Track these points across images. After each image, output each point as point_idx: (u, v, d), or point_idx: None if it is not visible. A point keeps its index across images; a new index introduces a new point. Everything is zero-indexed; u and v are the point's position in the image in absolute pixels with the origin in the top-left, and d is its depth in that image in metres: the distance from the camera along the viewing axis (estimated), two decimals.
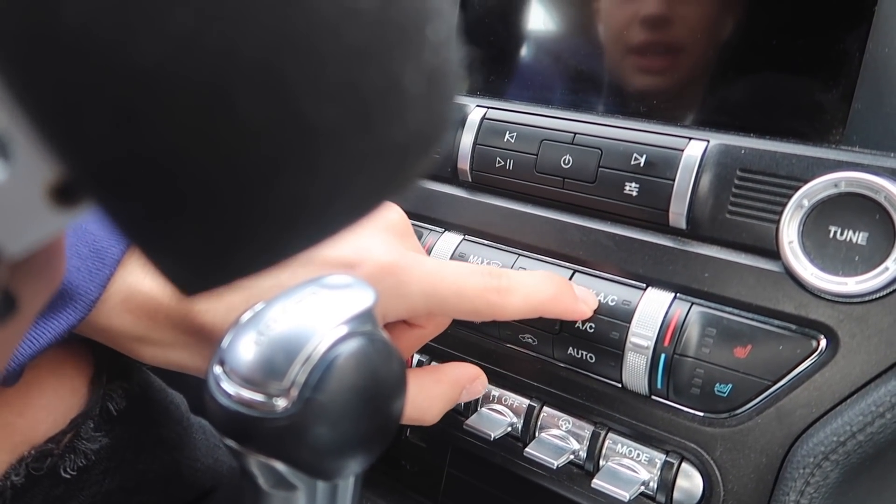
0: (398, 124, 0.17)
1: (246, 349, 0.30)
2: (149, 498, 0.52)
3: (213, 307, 0.40)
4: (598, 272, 0.47)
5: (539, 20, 0.56)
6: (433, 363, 0.55)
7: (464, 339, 0.53)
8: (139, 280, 0.40)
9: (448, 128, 0.19)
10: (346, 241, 0.40)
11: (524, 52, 0.56)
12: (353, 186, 0.17)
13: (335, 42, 0.15)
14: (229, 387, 0.30)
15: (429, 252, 0.53)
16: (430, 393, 0.44)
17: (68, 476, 0.44)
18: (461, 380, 0.47)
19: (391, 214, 0.45)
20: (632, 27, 0.50)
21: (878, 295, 0.38)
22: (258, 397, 0.29)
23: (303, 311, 0.31)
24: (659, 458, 0.45)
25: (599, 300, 0.46)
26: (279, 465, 0.31)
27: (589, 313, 0.45)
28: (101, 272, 0.39)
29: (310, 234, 0.18)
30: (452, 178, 0.54)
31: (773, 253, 0.41)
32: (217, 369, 0.31)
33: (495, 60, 0.57)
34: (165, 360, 0.42)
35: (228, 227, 0.16)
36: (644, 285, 0.45)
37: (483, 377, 0.48)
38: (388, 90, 0.16)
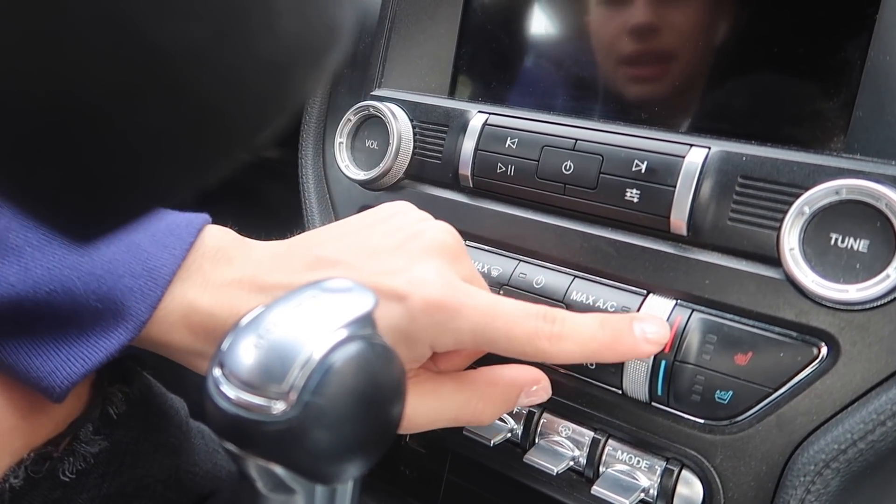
0: (267, 37, 0.15)
1: (246, 352, 0.30)
2: (147, 502, 0.52)
3: None
4: (598, 278, 0.47)
5: (540, 27, 0.56)
6: None
7: None
8: (198, 297, 0.40)
9: (339, 38, 0.17)
10: (400, 268, 0.40)
11: (526, 58, 0.56)
12: (229, 110, 0.16)
13: None
14: (229, 390, 0.30)
15: None
16: (484, 394, 0.43)
17: (67, 479, 0.44)
18: (518, 382, 0.45)
19: (445, 237, 0.43)
20: (621, 38, 0.50)
21: (879, 302, 0.38)
22: (257, 401, 0.29)
23: (302, 315, 0.31)
24: (659, 464, 0.45)
25: (599, 306, 0.46)
26: (278, 469, 0.31)
27: (656, 349, 0.42)
28: (154, 292, 0.39)
29: (190, 164, 0.17)
30: (454, 183, 0.54)
31: (774, 260, 0.41)
32: (216, 372, 0.31)
33: (497, 67, 0.57)
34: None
35: (99, 167, 0.15)
36: (645, 292, 0.45)
37: (546, 382, 0.46)
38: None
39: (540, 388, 0.46)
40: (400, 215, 0.45)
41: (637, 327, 0.41)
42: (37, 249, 0.37)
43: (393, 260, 0.41)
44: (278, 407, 0.29)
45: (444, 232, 0.43)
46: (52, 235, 0.37)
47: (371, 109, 0.57)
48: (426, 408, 0.41)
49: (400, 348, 0.39)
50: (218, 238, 0.43)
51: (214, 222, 0.44)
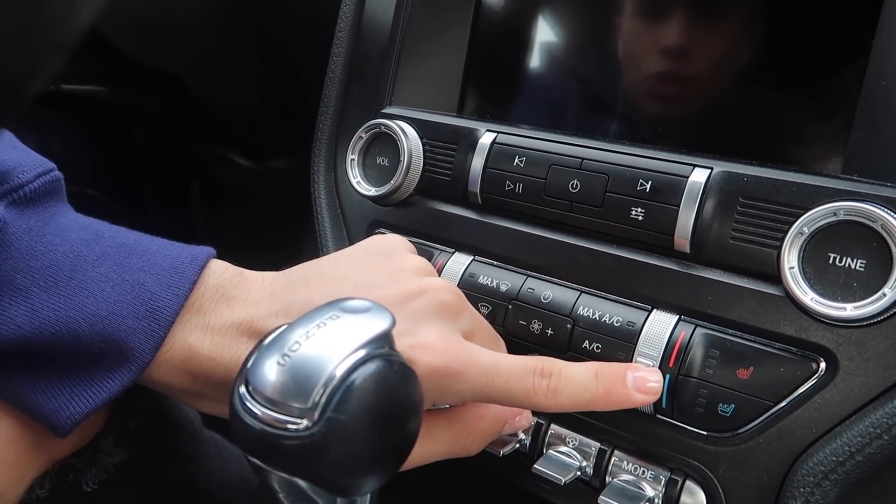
0: None
1: (270, 371, 0.31)
2: None
3: None
4: (604, 293, 0.49)
5: (549, 46, 0.57)
6: None
7: None
8: (198, 342, 0.41)
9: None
10: (403, 331, 0.40)
11: (533, 77, 0.58)
12: None
13: None
14: (254, 406, 0.31)
15: (439, 272, 0.55)
16: (473, 429, 0.46)
17: (89, 489, 0.46)
18: (503, 415, 0.47)
19: (446, 296, 0.44)
20: (651, 55, 0.51)
21: (875, 320, 0.39)
22: (281, 417, 0.31)
23: (324, 335, 0.32)
24: (664, 475, 0.46)
25: (605, 321, 0.47)
26: (300, 482, 0.32)
27: (649, 399, 0.43)
28: (156, 334, 0.39)
29: None
30: (463, 199, 0.56)
31: (775, 278, 0.42)
32: (242, 389, 0.32)
33: (505, 85, 0.59)
34: (223, 411, 0.42)
35: None
36: (649, 307, 0.47)
37: (527, 413, 0.49)
38: None
39: (522, 417, 0.49)
40: (397, 259, 0.46)
41: (630, 378, 0.43)
42: (43, 290, 0.37)
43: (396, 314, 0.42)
44: (301, 423, 0.30)
45: (446, 290, 0.44)
46: (59, 276, 0.38)
47: (382, 127, 0.58)
48: (420, 448, 0.41)
49: None
50: (219, 276, 0.43)
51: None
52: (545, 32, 0.57)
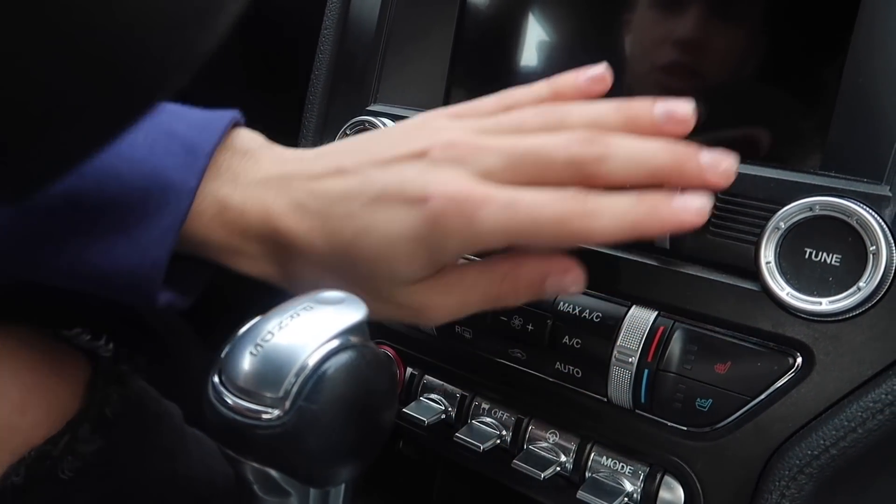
0: None
1: (243, 360, 0.31)
2: None
3: (294, 225, 0.41)
4: (584, 289, 0.49)
5: (540, 42, 0.57)
6: (426, 376, 0.57)
7: (453, 352, 0.55)
8: (230, 194, 0.42)
9: None
10: (416, 174, 0.39)
11: (522, 74, 0.58)
12: (126, 64, 0.17)
13: None
14: (227, 396, 0.31)
15: None
16: (508, 275, 0.42)
17: (66, 477, 0.46)
18: (544, 265, 0.42)
19: (459, 136, 0.41)
20: (662, 46, 0.51)
21: (850, 314, 0.39)
22: (254, 406, 0.31)
23: (297, 325, 0.32)
24: (642, 470, 0.46)
25: (585, 317, 0.47)
26: (273, 472, 0.32)
27: (698, 220, 0.37)
28: (196, 164, 0.40)
29: (92, 123, 0.19)
30: None
31: (753, 273, 0.42)
32: (215, 379, 0.32)
33: (489, 83, 0.59)
34: (258, 270, 0.44)
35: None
36: (629, 303, 0.47)
37: (578, 273, 0.42)
38: None
39: (570, 277, 0.42)
40: (423, 124, 0.45)
41: (678, 201, 0.37)
42: None
43: (410, 167, 0.41)
44: (273, 412, 0.30)
45: (461, 130, 0.42)
46: None
47: (367, 124, 0.58)
48: (453, 299, 0.41)
49: (420, 258, 0.39)
50: (248, 140, 0.44)
51: None
52: (534, 28, 0.57)
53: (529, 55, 0.57)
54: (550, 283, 0.42)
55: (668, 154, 0.38)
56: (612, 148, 0.38)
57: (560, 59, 0.56)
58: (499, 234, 0.38)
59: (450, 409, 0.55)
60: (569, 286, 0.42)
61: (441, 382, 0.56)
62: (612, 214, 0.37)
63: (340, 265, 0.41)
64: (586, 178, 0.38)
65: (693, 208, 0.37)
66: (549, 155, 0.39)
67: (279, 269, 0.44)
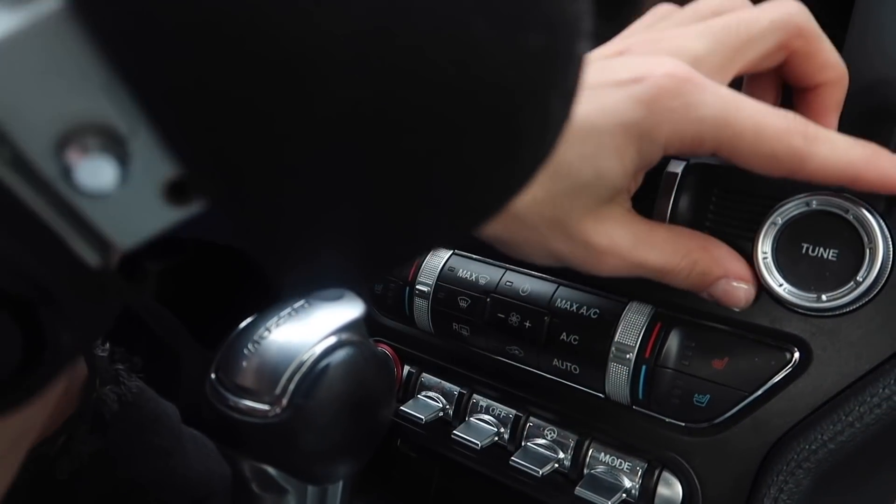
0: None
1: (240, 359, 0.31)
2: None
3: None
4: (582, 286, 0.49)
5: None
6: (424, 374, 0.56)
7: (450, 350, 0.55)
8: None
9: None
10: (620, 62, 0.37)
11: None
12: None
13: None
14: (225, 394, 0.31)
15: (418, 267, 0.55)
16: (691, 254, 0.40)
17: (63, 478, 0.46)
18: (725, 263, 0.40)
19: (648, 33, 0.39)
20: None
21: (847, 309, 0.39)
22: (251, 404, 0.31)
23: (294, 322, 0.32)
24: (641, 465, 0.46)
25: (582, 313, 0.47)
26: (271, 470, 0.32)
27: None
28: None
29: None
30: None
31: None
32: (213, 377, 0.32)
33: None
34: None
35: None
36: (626, 299, 0.47)
37: (752, 287, 0.41)
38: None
39: (745, 289, 0.40)
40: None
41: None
42: None
43: (616, 61, 0.38)
44: (271, 410, 0.30)
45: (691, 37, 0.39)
46: None
47: None
48: (635, 251, 0.38)
49: (629, 151, 0.36)
50: None
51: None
52: None
53: None
54: (723, 284, 0.40)
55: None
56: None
57: None
58: (714, 129, 0.34)
59: (447, 406, 0.55)
60: (739, 299, 0.41)
61: (438, 380, 0.56)
62: (833, 146, 0.35)
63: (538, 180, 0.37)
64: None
65: None
66: (764, 28, 0.37)
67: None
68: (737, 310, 0.42)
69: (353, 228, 0.17)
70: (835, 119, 0.41)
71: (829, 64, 0.39)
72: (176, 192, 0.17)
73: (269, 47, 0.14)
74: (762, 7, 0.39)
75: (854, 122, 0.41)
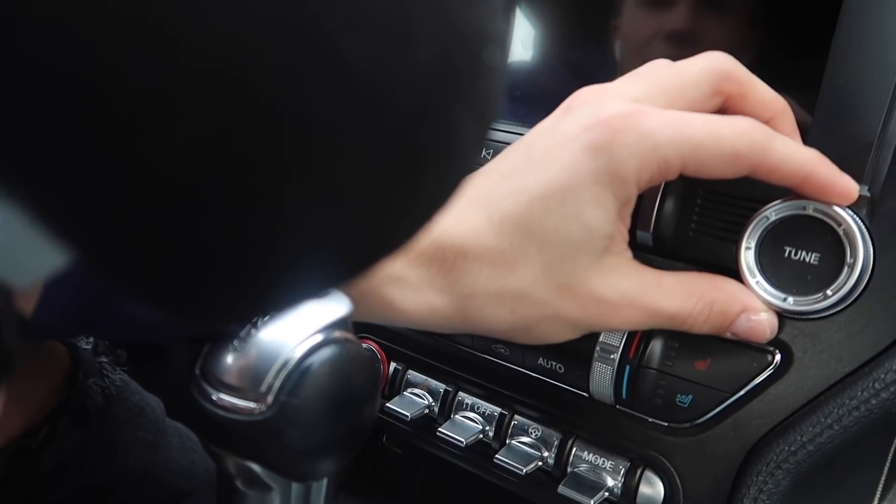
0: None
1: (225, 356, 0.31)
2: (126, 498, 0.53)
3: (458, 224, 0.38)
4: None
5: (536, 38, 0.57)
6: (410, 371, 0.57)
7: (437, 347, 0.55)
8: None
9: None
10: (566, 121, 0.38)
11: (519, 73, 0.58)
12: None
13: None
14: (209, 391, 0.31)
15: None
16: (704, 296, 0.40)
17: (45, 471, 0.45)
18: (742, 298, 0.40)
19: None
20: (655, 42, 0.50)
21: (828, 312, 0.40)
22: (236, 401, 0.31)
23: (280, 320, 0.32)
24: (623, 465, 0.47)
25: None
26: (255, 467, 0.32)
27: (853, 195, 0.38)
28: None
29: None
30: None
31: (733, 271, 0.43)
32: (198, 373, 0.32)
33: None
34: (420, 303, 0.39)
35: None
36: None
37: (772, 317, 0.40)
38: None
39: (765, 320, 0.40)
40: None
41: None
42: None
43: (560, 120, 0.39)
44: (256, 408, 0.30)
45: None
46: None
47: None
48: (649, 298, 0.38)
49: (606, 195, 0.36)
50: None
51: None
52: (528, 26, 0.57)
53: (529, 51, 0.57)
54: (744, 321, 0.40)
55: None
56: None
57: (550, 63, 0.56)
58: (673, 147, 0.35)
59: (433, 403, 0.55)
60: (765, 331, 0.40)
61: (424, 377, 0.56)
62: (788, 142, 0.37)
63: (523, 254, 0.37)
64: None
65: (854, 192, 0.38)
66: (694, 75, 0.38)
67: (452, 298, 0.39)
68: (763, 342, 0.41)
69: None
70: (797, 140, 0.42)
71: (766, 101, 0.40)
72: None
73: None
74: (690, 59, 0.40)
75: (840, 122, 0.42)
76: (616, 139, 0.35)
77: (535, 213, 0.37)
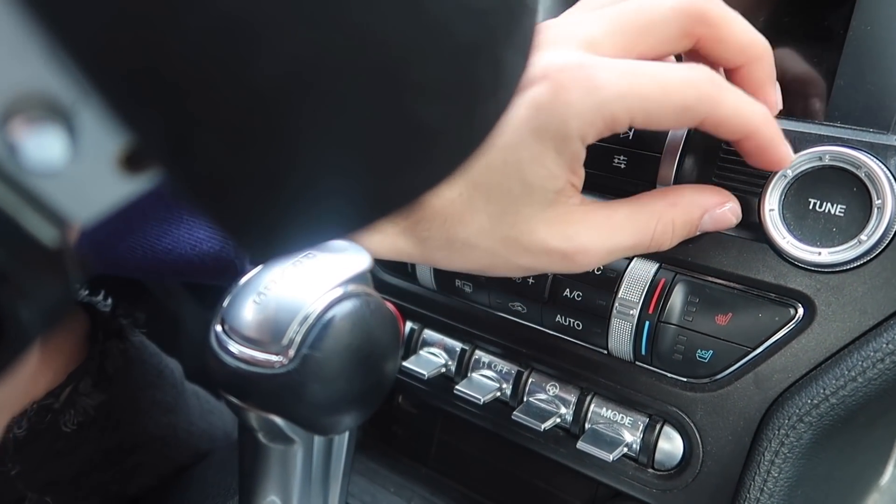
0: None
1: (246, 310, 0.31)
2: (146, 458, 0.53)
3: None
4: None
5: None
6: (426, 330, 0.57)
7: (453, 306, 0.55)
8: None
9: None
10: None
11: None
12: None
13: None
14: (231, 345, 0.31)
15: None
16: (662, 217, 0.39)
17: (68, 430, 0.46)
18: (701, 200, 0.41)
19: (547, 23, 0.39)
20: None
21: (853, 265, 0.39)
22: (258, 355, 0.31)
23: (300, 273, 0.32)
24: (642, 420, 0.47)
25: None
26: (278, 420, 0.32)
27: (785, 163, 0.38)
28: None
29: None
30: None
31: (756, 225, 0.42)
32: (218, 328, 0.32)
33: None
34: (391, 248, 0.38)
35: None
36: (631, 255, 0.47)
37: (735, 204, 0.41)
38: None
39: (728, 209, 0.41)
40: None
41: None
42: None
43: None
44: (278, 360, 0.30)
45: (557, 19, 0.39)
46: None
47: None
48: (603, 239, 0.38)
49: (547, 153, 0.35)
50: None
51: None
52: None
53: None
54: (708, 219, 0.41)
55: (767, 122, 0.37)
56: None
57: None
58: (620, 101, 0.34)
59: (450, 362, 0.55)
60: (730, 219, 0.41)
61: (441, 336, 0.56)
62: (739, 94, 0.35)
63: (470, 205, 0.37)
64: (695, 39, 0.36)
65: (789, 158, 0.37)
66: (662, 14, 0.36)
67: (413, 241, 0.38)
68: (733, 227, 0.42)
69: (331, 174, 0.17)
70: (771, 91, 0.40)
71: (743, 46, 0.38)
72: (130, 162, 0.16)
73: (206, 13, 0.13)
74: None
75: (867, 71, 0.41)
76: (559, 97, 0.34)
77: (479, 168, 0.36)
